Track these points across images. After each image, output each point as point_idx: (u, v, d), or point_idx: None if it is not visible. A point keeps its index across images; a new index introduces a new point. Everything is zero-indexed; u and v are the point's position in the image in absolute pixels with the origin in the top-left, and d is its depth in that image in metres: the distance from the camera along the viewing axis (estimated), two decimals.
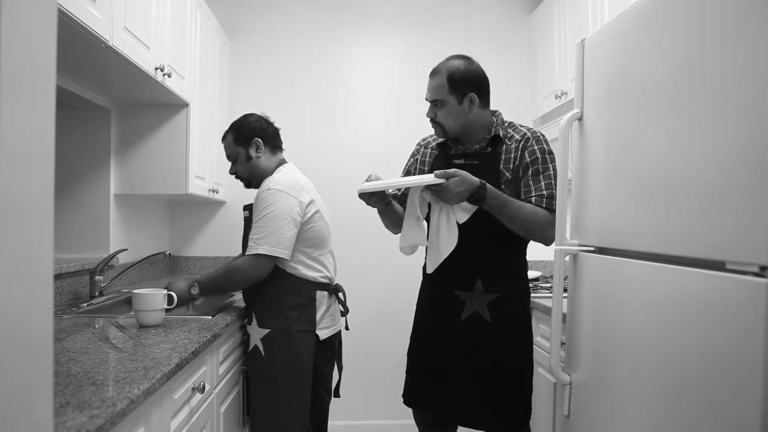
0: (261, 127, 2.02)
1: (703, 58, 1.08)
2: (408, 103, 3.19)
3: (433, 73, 1.79)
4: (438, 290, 1.82)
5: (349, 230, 3.08)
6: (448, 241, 1.70)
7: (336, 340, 2.06)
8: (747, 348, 0.93)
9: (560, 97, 2.63)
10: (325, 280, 1.97)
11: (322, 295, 1.94)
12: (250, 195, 2.03)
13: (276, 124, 2.09)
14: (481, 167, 1.76)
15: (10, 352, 0.61)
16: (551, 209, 1.70)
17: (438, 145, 1.91)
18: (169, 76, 2.08)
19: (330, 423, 2.15)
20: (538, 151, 1.75)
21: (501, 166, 1.76)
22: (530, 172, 1.74)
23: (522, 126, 1.83)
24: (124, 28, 1.71)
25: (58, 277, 1.97)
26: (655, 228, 1.21)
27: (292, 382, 1.86)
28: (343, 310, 2.05)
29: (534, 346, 1.88)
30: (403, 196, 1.91)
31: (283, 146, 2.10)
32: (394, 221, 1.90)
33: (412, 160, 1.99)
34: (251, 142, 2.00)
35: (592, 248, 1.52)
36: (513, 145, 1.78)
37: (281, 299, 1.88)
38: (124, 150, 2.48)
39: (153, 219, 2.97)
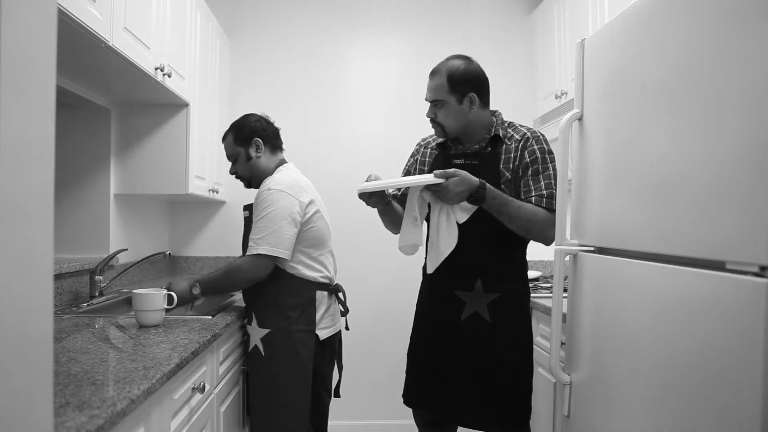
0: (261, 127, 2.02)
1: (703, 58, 1.08)
2: (408, 103, 3.19)
3: (433, 73, 1.79)
4: (438, 290, 1.82)
5: (349, 230, 3.08)
6: (447, 241, 1.70)
7: (336, 340, 2.06)
8: (747, 348, 0.93)
9: (560, 97, 2.63)
10: (325, 280, 1.97)
11: (322, 295, 1.94)
12: (250, 195, 2.03)
13: (276, 124, 2.09)
14: (481, 167, 1.76)
15: (10, 352, 0.61)
16: (551, 209, 1.70)
17: (438, 145, 1.91)
18: (169, 76, 2.08)
19: (330, 423, 2.15)
20: (537, 151, 1.75)
21: (501, 166, 1.76)
22: (530, 172, 1.74)
23: (522, 126, 1.83)
24: (124, 28, 1.71)
25: (58, 277, 1.97)
26: (655, 228, 1.21)
27: (292, 382, 1.86)
28: (343, 310, 2.05)
29: (534, 346, 1.88)
30: (403, 196, 1.91)
31: (283, 146, 2.10)
32: (394, 221, 1.90)
33: (411, 160, 1.99)
34: (251, 142, 2.00)
35: (592, 248, 1.52)
36: (513, 145, 1.78)
37: (281, 299, 1.88)
38: (124, 150, 2.48)
39: (153, 219, 2.97)
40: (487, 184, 1.64)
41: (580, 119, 1.59)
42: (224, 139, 2.05)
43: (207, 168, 2.77)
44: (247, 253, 1.85)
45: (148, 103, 2.43)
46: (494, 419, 1.76)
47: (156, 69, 1.99)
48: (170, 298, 1.76)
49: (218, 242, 3.24)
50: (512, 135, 1.80)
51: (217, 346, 1.71)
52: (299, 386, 1.86)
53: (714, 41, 1.05)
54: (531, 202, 1.71)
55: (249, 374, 1.95)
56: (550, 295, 2.21)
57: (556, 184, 1.72)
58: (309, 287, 1.91)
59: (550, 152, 1.77)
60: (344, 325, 2.12)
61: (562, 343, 1.73)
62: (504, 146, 1.78)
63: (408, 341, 1.95)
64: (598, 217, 1.49)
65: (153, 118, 2.47)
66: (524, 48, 3.26)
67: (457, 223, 1.69)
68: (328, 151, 3.24)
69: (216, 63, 2.91)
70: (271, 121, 2.08)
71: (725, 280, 1.00)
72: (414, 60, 3.21)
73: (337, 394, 2.14)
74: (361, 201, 1.77)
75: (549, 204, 1.71)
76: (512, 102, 3.06)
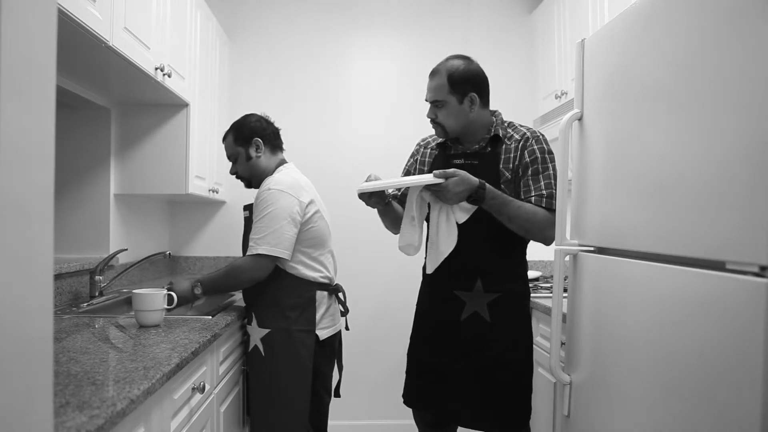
0: (261, 127, 2.02)
1: (703, 58, 1.08)
2: (408, 103, 3.19)
3: (433, 74, 1.79)
4: (438, 290, 1.82)
5: (349, 230, 3.08)
6: (447, 241, 1.70)
7: (336, 340, 2.06)
8: (747, 348, 0.93)
9: (560, 97, 2.63)
10: (325, 280, 1.97)
11: (322, 295, 1.94)
12: (250, 195, 2.03)
13: (276, 124, 2.09)
14: (481, 167, 1.76)
15: (10, 352, 0.61)
16: (551, 209, 1.70)
17: (438, 145, 1.91)
18: (169, 76, 2.08)
19: (330, 423, 2.15)
20: (537, 151, 1.75)
21: (501, 166, 1.76)
22: (530, 172, 1.74)
23: (521, 126, 1.83)
24: (124, 28, 1.71)
25: (58, 277, 1.97)
26: (655, 228, 1.21)
27: (291, 382, 1.86)
28: (343, 310, 2.05)
29: (534, 346, 1.88)
30: (402, 196, 1.91)
31: (284, 146, 2.10)
32: (394, 221, 1.90)
33: (411, 160, 1.99)
34: (251, 142, 2.00)
35: (592, 248, 1.52)
36: (512, 145, 1.77)
37: (281, 299, 1.88)
38: (124, 150, 2.48)
39: (153, 219, 2.97)
40: (487, 184, 1.64)
41: (580, 119, 1.59)
42: (224, 139, 2.06)
43: (207, 168, 2.77)
44: (248, 253, 1.85)
45: (148, 103, 2.43)
46: (494, 419, 1.76)
47: (156, 69, 1.99)
48: (170, 298, 1.76)
49: (218, 242, 3.24)
50: (512, 135, 1.80)
51: (217, 346, 1.71)
52: (299, 386, 1.86)
53: (714, 41, 1.05)
54: (531, 202, 1.71)
55: (249, 374, 1.95)
56: (550, 295, 2.21)
57: (556, 184, 1.72)
58: (309, 287, 1.91)
59: (550, 152, 1.77)
60: (344, 325, 2.12)
61: (562, 343, 1.73)
62: (504, 146, 1.78)
63: (408, 341, 1.95)
64: (598, 217, 1.49)
65: (153, 118, 2.47)
66: (524, 48, 3.26)
67: (456, 223, 1.69)
68: (328, 151, 3.24)
69: (216, 63, 2.91)
70: (272, 121, 2.09)
71: (725, 280, 1.00)
72: (414, 60, 3.22)
73: (337, 394, 2.14)
74: (360, 201, 1.77)
75: (549, 204, 1.71)
76: (512, 102, 3.06)
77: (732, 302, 0.98)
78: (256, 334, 1.90)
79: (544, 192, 1.72)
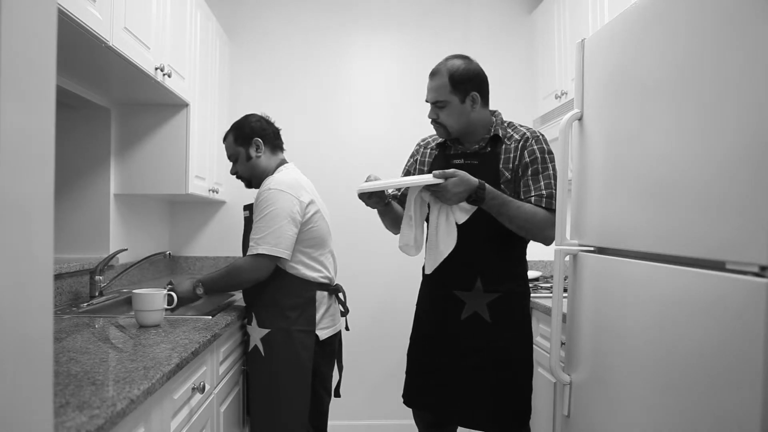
0: (261, 127, 2.02)
1: (703, 58, 1.08)
2: (408, 103, 3.19)
3: (433, 74, 1.79)
4: (438, 290, 1.82)
5: (349, 230, 3.08)
6: (447, 242, 1.70)
7: (336, 340, 2.06)
8: (747, 348, 0.93)
9: (560, 97, 2.63)
10: (325, 281, 1.97)
11: (322, 295, 1.94)
12: (250, 195, 2.03)
13: (276, 124, 2.09)
14: (481, 167, 1.76)
15: (10, 352, 0.61)
16: (551, 209, 1.70)
17: (437, 145, 1.91)
18: (169, 76, 2.08)
19: (330, 423, 2.15)
20: (537, 151, 1.75)
21: (500, 166, 1.76)
22: (530, 172, 1.74)
23: (521, 126, 1.83)
24: (124, 28, 1.71)
25: (58, 277, 1.97)
26: (655, 228, 1.21)
27: (291, 382, 1.86)
28: (343, 310, 2.05)
29: (534, 346, 1.88)
30: (402, 196, 1.91)
31: (284, 146, 2.10)
32: (394, 222, 1.90)
33: (411, 160, 1.99)
34: (251, 141, 2.00)
35: (592, 248, 1.52)
36: (512, 145, 1.77)
37: (281, 299, 1.88)
38: (124, 150, 2.48)
39: (153, 219, 2.97)
40: (487, 185, 1.64)
41: (580, 119, 1.59)
42: (225, 139, 2.06)
43: (207, 168, 2.77)
44: (248, 253, 1.85)
45: (148, 103, 2.43)
46: (494, 419, 1.75)
47: (156, 69, 1.99)
48: (170, 298, 1.76)
49: (218, 242, 3.24)
50: (512, 135, 1.80)
51: (217, 346, 1.71)
52: (299, 386, 1.86)
53: (714, 41, 1.05)
54: (531, 202, 1.71)
55: (249, 374, 1.95)
56: (550, 295, 2.21)
57: (555, 184, 1.72)
58: (309, 287, 1.91)
59: (550, 152, 1.77)
60: (344, 325, 2.12)
61: (562, 343, 1.73)
62: (503, 146, 1.78)
63: (408, 341, 1.95)
64: (598, 217, 1.49)
65: (153, 118, 2.47)
66: (524, 48, 3.26)
67: (456, 223, 1.69)
68: (328, 151, 3.24)
69: (216, 63, 2.91)
70: (272, 121, 2.09)
71: (725, 280, 1.00)
72: (414, 60, 3.22)
73: (337, 394, 2.14)
74: (360, 201, 1.77)
75: (549, 204, 1.71)
76: (512, 102, 3.06)
77: (732, 302, 0.98)
78: (256, 334, 1.90)
79: (543, 192, 1.72)
